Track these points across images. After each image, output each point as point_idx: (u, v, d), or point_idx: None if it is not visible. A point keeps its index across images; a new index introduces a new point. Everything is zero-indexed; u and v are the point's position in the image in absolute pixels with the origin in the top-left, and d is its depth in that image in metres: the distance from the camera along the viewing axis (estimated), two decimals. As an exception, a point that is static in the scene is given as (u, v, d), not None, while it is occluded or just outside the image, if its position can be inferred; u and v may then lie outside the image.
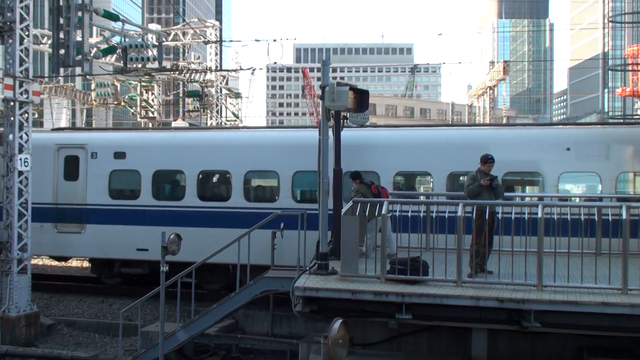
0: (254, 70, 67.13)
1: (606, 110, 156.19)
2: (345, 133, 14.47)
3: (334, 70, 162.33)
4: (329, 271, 12.23)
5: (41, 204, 19.21)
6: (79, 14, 19.31)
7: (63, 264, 25.90)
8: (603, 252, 12.72)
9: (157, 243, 12.11)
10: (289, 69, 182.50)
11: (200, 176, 18.98)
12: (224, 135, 21.99)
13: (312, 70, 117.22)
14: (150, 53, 30.64)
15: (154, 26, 47.01)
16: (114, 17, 26.73)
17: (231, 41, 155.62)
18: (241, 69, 56.73)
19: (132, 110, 51.03)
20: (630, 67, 78.76)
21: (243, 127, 39.08)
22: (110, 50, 30.78)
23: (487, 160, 12.51)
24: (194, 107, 50.59)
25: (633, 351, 11.56)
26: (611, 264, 10.83)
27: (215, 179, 19.79)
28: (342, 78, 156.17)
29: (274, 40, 39.18)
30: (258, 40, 51.14)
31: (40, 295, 19.97)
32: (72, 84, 51.15)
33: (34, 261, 26.82)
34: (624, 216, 10.57)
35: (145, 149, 19.80)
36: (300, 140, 18.46)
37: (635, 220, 11.48)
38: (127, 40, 29.49)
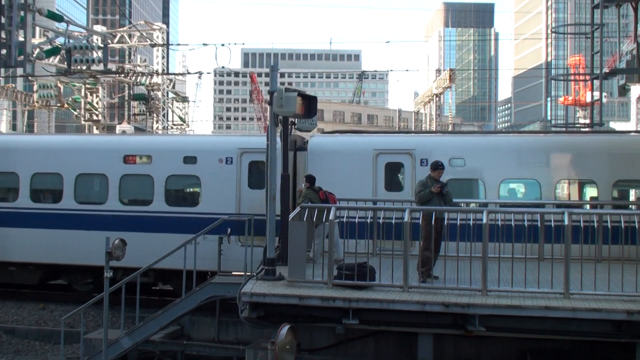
0: (201, 74, 66.62)
1: (549, 118, 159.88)
2: None
3: (282, 75, 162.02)
4: (276, 277, 12.18)
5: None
6: (22, 13, 18.83)
7: None
8: (546, 257, 12.96)
9: None
10: (236, 74, 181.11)
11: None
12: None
13: (259, 75, 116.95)
14: (95, 55, 30.13)
15: (99, 27, 46.50)
16: (57, 17, 26.15)
17: (178, 44, 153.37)
18: (188, 73, 56.52)
19: (75, 113, 50.20)
20: (572, 77, 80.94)
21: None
22: (54, 51, 30.19)
23: (437, 167, 12.54)
24: (140, 111, 50.10)
25: (574, 354, 11.82)
26: (553, 269, 11.04)
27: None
28: (289, 83, 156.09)
29: (222, 45, 39.21)
30: (206, 44, 51.23)
31: (-22, 302, 19.39)
32: (13, 85, 49.92)
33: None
34: (566, 222, 10.80)
35: (488, 154, 17.49)
36: None
37: (576, 225, 11.74)
38: (71, 41, 28.84)
